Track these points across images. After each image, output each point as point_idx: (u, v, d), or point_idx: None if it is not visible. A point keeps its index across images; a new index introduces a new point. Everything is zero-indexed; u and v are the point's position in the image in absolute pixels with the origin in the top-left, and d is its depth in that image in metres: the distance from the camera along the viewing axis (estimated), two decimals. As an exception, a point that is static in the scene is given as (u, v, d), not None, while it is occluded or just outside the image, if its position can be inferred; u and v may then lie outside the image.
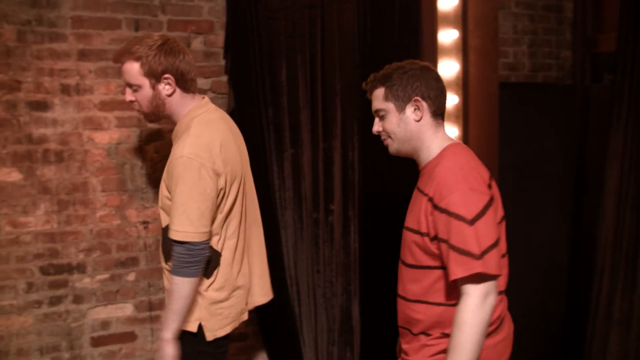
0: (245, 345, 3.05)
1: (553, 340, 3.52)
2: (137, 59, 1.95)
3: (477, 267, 1.53)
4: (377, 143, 2.86)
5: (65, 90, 2.67)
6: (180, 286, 1.93)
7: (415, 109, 1.74)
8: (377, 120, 1.82)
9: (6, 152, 2.59)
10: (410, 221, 1.76)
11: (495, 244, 1.58)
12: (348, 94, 2.92)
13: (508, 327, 1.79)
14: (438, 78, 1.78)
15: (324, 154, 2.91)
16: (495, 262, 1.56)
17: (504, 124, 3.05)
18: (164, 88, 1.99)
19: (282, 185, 2.86)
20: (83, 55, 2.68)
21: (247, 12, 2.74)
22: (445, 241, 1.59)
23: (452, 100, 2.92)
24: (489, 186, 1.67)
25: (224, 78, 2.88)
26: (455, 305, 1.61)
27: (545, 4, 3.53)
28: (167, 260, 2.06)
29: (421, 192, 1.73)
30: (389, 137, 1.80)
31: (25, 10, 2.60)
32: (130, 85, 2.00)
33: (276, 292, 2.86)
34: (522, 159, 3.34)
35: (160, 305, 2.89)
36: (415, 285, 1.74)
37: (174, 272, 1.93)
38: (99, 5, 2.69)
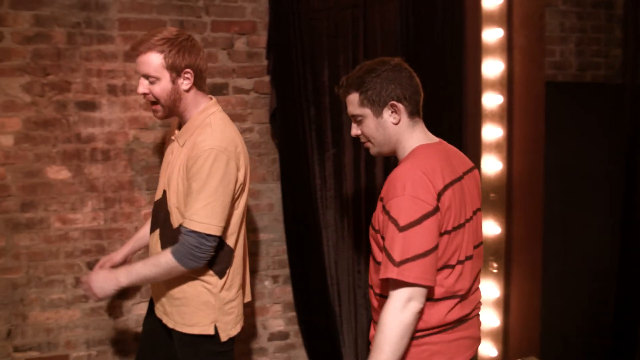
0: (285, 344, 3.07)
1: (602, 346, 3.42)
2: (161, 51, 1.93)
3: (392, 273, 1.56)
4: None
5: (112, 90, 2.74)
6: (169, 267, 1.92)
7: (392, 112, 1.74)
8: (354, 124, 1.82)
9: (56, 150, 2.68)
10: (373, 218, 1.79)
11: (424, 254, 1.57)
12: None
13: (472, 331, 1.79)
14: (411, 76, 1.78)
15: (365, 153, 2.90)
16: (419, 272, 1.56)
17: (550, 125, 2.98)
18: (183, 83, 1.98)
19: (324, 185, 2.87)
20: (129, 56, 2.74)
21: (290, 13, 2.76)
22: (384, 240, 1.63)
23: (496, 100, 2.87)
24: (441, 194, 1.64)
25: (267, 78, 2.91)
26: None
27: (595, 1, 3.44)
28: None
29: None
30: (369, 141, 1.81)
31: (75, 13, 2.67)
32: (147, 77, 1.96)
33: (317, 291, 2.88)
34: (569, 161, 3.25)
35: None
36: (375, 276, 1.78)
37: (176, 253, 1.91)
38: (145, 7, 2.75)
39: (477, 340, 1.83)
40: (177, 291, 2.03)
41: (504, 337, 2.81)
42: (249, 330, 3.01)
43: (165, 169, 2.09)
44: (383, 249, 1.62)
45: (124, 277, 1.99)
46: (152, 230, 2.12)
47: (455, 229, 1.69)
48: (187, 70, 1.97)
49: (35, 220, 2.68)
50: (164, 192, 2.05)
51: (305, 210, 2.83)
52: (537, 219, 2.85)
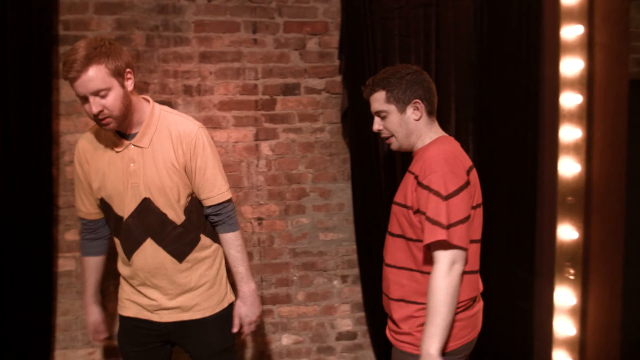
0: (353, 344, 3.07)
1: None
2: (99, 62, 1.84)
3: (441, 235, 1.76)
4: (493, 144, 2.80)
5: (187, 90, 2.81)
6: (240, 238, 2.17)
7: (414, 110, 1.95)
8: (377, 119, 2.02)
9: (135, 149, 2.77)
10: (398, 197, 1.99)
11: (463, 220, 1.80)
12: (463, 94, 2.84)
13: (479, 306, 2.02)
14: (430, 80, 1.99)
15: (436, 154, 2.86)
16: (461, 235, 1.79)
17: (634, 125, 2.84)
18: (129, 84, 1.94)
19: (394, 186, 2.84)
20: (204, 57, 2.81)
21: (362, 12, 2.75)
22: (423, 213, 1.82)
23: (575, 99, 2.76)
24: (468, 173, 1.88)
25: (338, 78, 2.91)
26: (429, 273, 1.84)
27: (684, -5, 3.25)
28: (181, 259, 2.08)
29: (410, 172, 1.96)
30: (392, 135, 2.01)
31: (154, 17, 2.76)
32: (96, 93, 1.85)
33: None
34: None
35: (272, 299, 2.97)
36: (399, 253, 1.96)
37: (236, 227, 2.15)
38: (219, 10, 2.81)
39: (481, 313, 2.05)
40: (199, 279, 2.12)
41: (581, 347, 2.70)
42: (317, 328, 3.03)
43: (127, 179, 2.00)
44: (426, 219, 1.79)
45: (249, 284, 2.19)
46: (135, 244, 2.06)
47: (476, 207, 1.92)
48: (128, 70, 1.94)
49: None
50: (144, 200, 2.01)
51: (375, 210, 2.82)
52: (617, 225, 2.72)
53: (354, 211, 2.91)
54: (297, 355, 3.03)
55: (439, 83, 2.82)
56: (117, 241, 2.12)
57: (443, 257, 1.78)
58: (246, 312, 2.14)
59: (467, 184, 1.84)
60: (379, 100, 1.97)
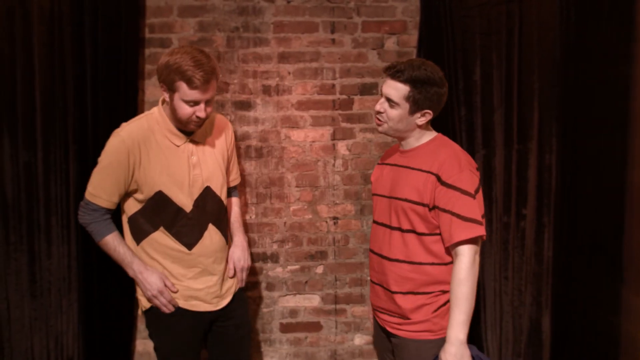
0: (426, 347, 3.03)
1: None
2: None
3: (480, 230, 1.92)
4: (578, 147, 2.69)
5: (266, 90, 2.86)
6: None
7: (421, 116, 2.02)
8: (383, 100, 2.04)
9: (215, 148, 2.84)
10: (403, 192, 2.03)
11: (483, 216, 1.99)
12: (547, 93, 2.75)
13: None
14: (446, 94, 2.04)
15: (517, 155, 2.77)
16: (485, 229, 1.96)
17: None
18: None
19: (472, 187, 2.78)
20: (283, 57, 2.84)
21: (441, 11, 2.70)
22: (448, 211, 1.93)
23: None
24: (477, 169, 2.04)
25: (416, 78, 2.88)
26: (442, 264, 2.01)
27: None
28: (228, 242, 2.38)
29: (413, 168, 2.04)
30: (387, 122, 2.05)
31: (234, 18, 2.82)
32: (209, 101, 2.12)
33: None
34: None
35: (346, 299, 2.98)
36: (409, 248, 2.03)
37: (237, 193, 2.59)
38: (298, 10, 2.83)
39: None
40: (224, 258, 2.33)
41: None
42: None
43: (189, 171, 2.17)
44: (457, 217, 1.91)
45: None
46: (199, 233, 2.21)
47: None
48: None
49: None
50: (206, 188, 2.21)
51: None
52: None
53: (431, 212, 2.86)
54: (369, 355, 3.02)
55: (521, 82, 2.74)
56: (165, 236, 2.17)
57: (469, 250, 1.92)
58: (239, 256, 2.37)
59: (481, 181, 2.02)
60: (398, 91, 1.98)
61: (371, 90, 2.89)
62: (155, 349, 2.28)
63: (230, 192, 2.49)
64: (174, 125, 2.14)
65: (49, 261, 2.66)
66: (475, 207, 1.93)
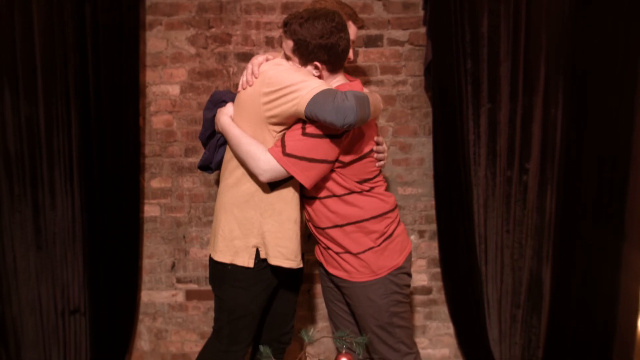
0: (427, 299, 3.08)
1: None
2: None
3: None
4: (586, 101, 2.66)
5: (269, 42, 2.81)
6: None
7: (314, 69, 2.07)
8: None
9: (218, 100, 2.82)
10: None
11: None
12: (554, 47, 2.70)
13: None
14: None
15: (522, 109, 2.75)
16: None
17: None
18: None
19: (477, 141, 2.77)
20: (286, 8, 2.78)
21: (448, -40, 2.63)
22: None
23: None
24: None
25: (422, 30, 2.82)
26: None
27: None
28: None
29: None
30: None
31: (237, -34, 2.75)
32: None
33: (464, 249, 2.84)
34: None
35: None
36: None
37: None
38: (302, -41, 2.76)
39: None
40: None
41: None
42: (392, 282, 3.05)
43: None
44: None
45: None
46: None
47: None
48: None
49: (196, 164, 2.86)
50: None
51: (456, 166, 2.76)
52: None
53: (434, 166, 2.86)
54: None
55: (528, 35, 2.69)
56: (294, 195, 2.12)
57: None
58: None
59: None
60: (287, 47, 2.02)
61: (376, 42, 2.84)
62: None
63: None
64: None
65: (53, 213, 2.67)
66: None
